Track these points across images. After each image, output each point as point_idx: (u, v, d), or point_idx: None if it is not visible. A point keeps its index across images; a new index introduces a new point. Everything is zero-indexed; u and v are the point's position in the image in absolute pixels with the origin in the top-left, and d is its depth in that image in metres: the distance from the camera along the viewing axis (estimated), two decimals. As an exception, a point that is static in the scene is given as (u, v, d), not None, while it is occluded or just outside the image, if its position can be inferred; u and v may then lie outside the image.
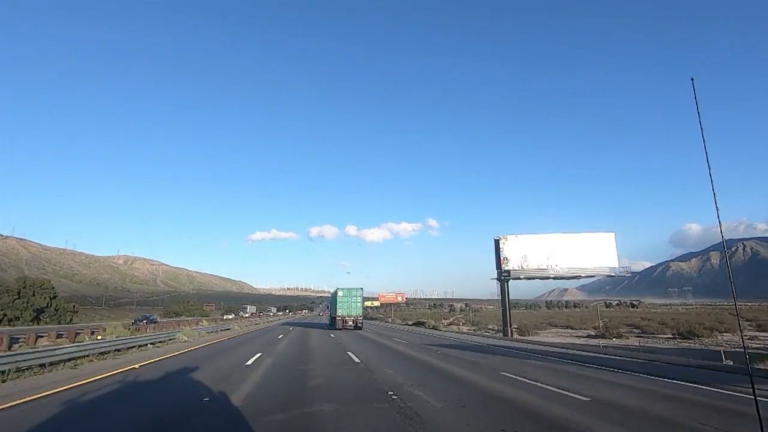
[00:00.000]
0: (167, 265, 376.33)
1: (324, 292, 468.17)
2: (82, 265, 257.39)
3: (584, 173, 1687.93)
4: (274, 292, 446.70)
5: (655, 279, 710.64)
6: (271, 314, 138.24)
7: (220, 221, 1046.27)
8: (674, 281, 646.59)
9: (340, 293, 37.70)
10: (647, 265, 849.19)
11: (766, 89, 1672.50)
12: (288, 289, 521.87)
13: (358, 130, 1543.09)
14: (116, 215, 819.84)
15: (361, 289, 39.08)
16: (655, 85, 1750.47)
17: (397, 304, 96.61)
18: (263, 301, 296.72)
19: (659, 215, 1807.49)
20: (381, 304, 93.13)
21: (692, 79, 3.28)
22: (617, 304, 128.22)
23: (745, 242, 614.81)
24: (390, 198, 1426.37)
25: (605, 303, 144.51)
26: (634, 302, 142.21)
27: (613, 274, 33.04)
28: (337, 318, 36.70)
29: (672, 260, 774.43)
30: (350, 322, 36.45)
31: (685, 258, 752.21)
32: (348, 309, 37.19)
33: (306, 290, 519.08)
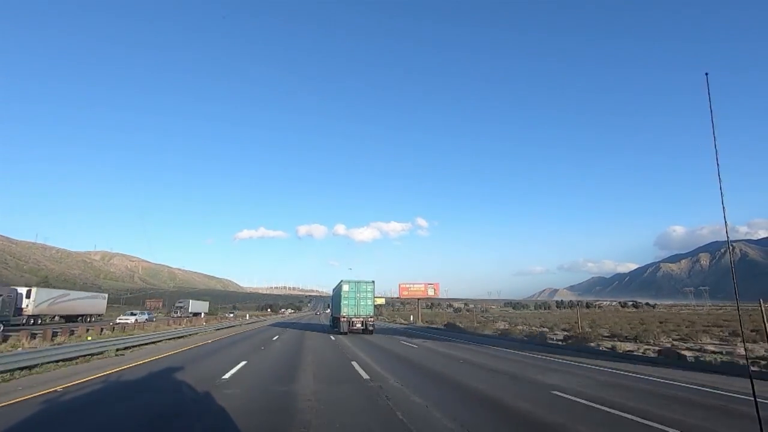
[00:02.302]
0: (147, 262, 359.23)
1: (312, 291, 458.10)
2: (52, 260, 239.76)
3: (575, 173, 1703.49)
4: (261, 291, 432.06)
5: (646, 280, 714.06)
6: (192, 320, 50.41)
7: (207, 218, 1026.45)
8: (665, 282, 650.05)
9: (345, 287, 28.66)
10: (633, 266, 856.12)
11: (760, 86, 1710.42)
12: (275, 288, 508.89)
13: (349, 128, 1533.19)
14: (98, 211, 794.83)
15: (373, 282, 29.15)
16: (646, 85, 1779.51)
17: (425, 300, 78.60)
18: (248, 299, 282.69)
19: (643, 217, 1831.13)
20: (404, 298, 73.78)
21: (706, 74, 2.97)
22: (632, 305, 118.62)
23: (734, 244, 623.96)
24: (379, 197, 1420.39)
25: (620, 304, 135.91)
26: (649, 303, 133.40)
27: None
28: (342, 319, 28.27)
29: (661, 261, 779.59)
30: (358, 325, 28.33)
31: (673, 259, 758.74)
32: (356, 308, 28.59)
33: (294, 289, 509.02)
